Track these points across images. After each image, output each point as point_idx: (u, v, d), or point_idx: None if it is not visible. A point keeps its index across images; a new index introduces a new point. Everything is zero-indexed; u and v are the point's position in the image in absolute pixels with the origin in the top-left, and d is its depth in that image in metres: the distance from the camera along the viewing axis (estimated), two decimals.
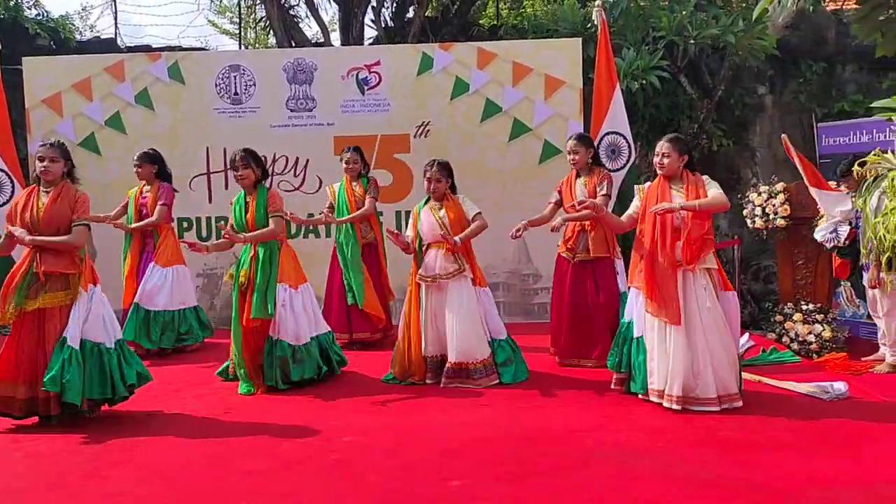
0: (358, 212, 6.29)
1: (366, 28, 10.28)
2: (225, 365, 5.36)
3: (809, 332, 6.08)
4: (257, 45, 12.59)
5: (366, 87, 7.69)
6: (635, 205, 4.72)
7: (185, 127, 7.70)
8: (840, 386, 4.73)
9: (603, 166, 6.07)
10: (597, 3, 7.15)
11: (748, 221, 6.51)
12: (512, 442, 3.94)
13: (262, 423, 4.36)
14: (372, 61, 7.73)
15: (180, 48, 9.63)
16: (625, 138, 6.97)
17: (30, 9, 9.39)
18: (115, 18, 10.33)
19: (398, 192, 7.57)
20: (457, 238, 5.09)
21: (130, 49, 9.42)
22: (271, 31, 10.64)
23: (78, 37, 9.88)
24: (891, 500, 3.22)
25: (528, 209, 7.00)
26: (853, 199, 5.41)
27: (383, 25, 10.38)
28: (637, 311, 4.64)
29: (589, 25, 8.18)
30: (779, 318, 6.33)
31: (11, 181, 7.02)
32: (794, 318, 6.18)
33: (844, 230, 5.60)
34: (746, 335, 6.36)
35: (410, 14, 10.33)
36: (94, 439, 4.12)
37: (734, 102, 8.65)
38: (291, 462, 3.71)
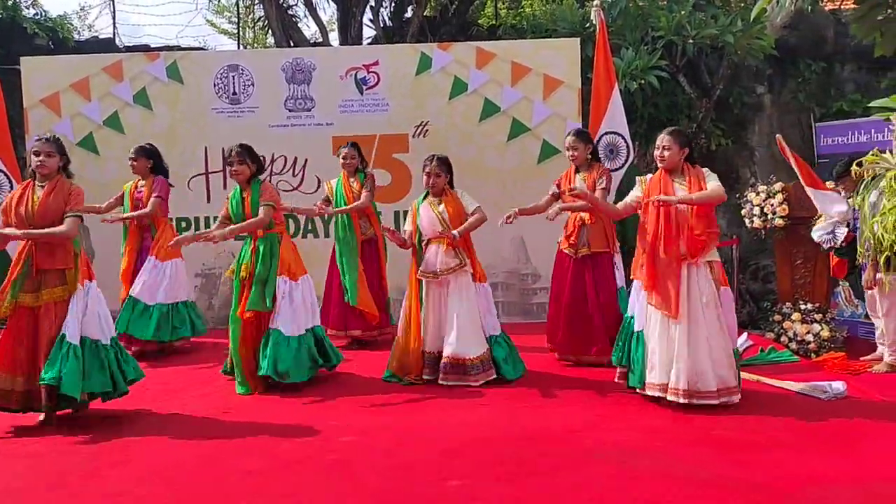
0: (353, 204, 6.27)
1: (364, 28, 10.28)
2: (227, 360, 5.36)
3: (808, 332, 6.09)
4: (256, 45, 12.58)
5: (364, 87, 7.69)
6: (634, 194, 4.70)
7: (184, 127, 7.69)
8: (838, 385, 4.74)
9: (601, 163, 6.08)
10: (595, 2, 7.15)
11: (746, 221, 6.52)
12: (511, 442, 3.95)
13: (261, 423, 4.36)
14: (370, 61, 7.73)
15: (179, 48, 9.61)
16: (623, 138, 6.98)
17: (28, 8, 9.37)
18: (114, 18, 10.33)
19: (397, 191, 7.56)
20: (455, 231, 5.10)
21: (129, 49, 9.41)
22: (270, 31, 10.62)
23: (76, 36, 9.86)
24: (889, 498, 3.23)
25: (531, 215, 7.04)
26: (851, 200, 5.41)
27: (382, 25, 10.38)
28: (639, 305, 4.64)
29: (588, 25, 8.18)
30: (777, 317, 6.34)
31: (10, 181, 7.02)
32: (793, 317, 6.19)
33: (842, 232, 5.60)
34: (745, 335, 6.37)
35: (409, 14, 10.33)
36: (94, 439, 4.12)
37: (733, 102, 8.65)
38: (291, 462, 3.72)
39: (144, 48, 9.24)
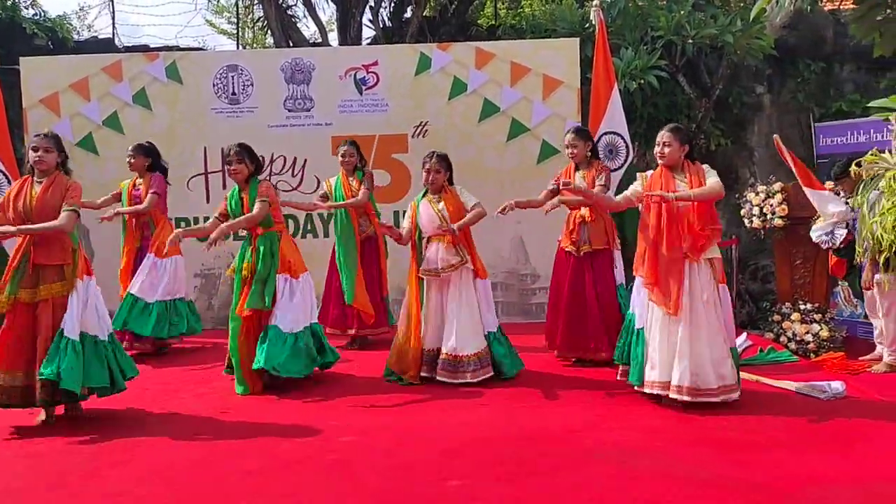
0: (351, 200, 6.26)
1: (364, 28, 10.29)
2: (227, 358, 5.35)
3: (807, 332, 6.09)
4: (255, 45, 12.59)
5: (364, 87, 7.69)
6: (635, 188, 4.69)
7: (183, 127, 7.69)
8: (837, 385, 4.75)
9: (600, 161, 6.07)
10: (595, 2, 7.14)
11: (746, 221, 6.52)
12: (511, 442, 3.95)
13: (261, 423, 4.36)
14: (370, 61, 7.73)
15: (178, 48, 9.61)
16: (622, 138, 6.97)
17: (27, 8, 9.38)
18: (113, 18, 10.33)
19: (396, 191, 7.56)
20: (454, 226, 5.10)
21: (128, 49, 9.41)
22: (269, 31, 10.63)
23: (75, 37, 9.86)
24: (888, 498, 3.23)
25: (526, 210, 7.04)
26: (851, 201, 5.41)
27: (381, 25, 10.38)
28: (640, 302, 4.65)
29: (587, 25, 8.18)
30: (777, 317, 6.35)
31: (9, 182, 7.00)
32: (792, 317, 6.20)
33: (841, 234, 5.61)
34: (744, 335, 6.38)
35: (408, 14, 10.33)
36: (93, 439, 4.12)
37: (732, 102, 8.65)
38: (290, 462, 3.71)
39: (144, 48, 9.24)
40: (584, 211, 5.56)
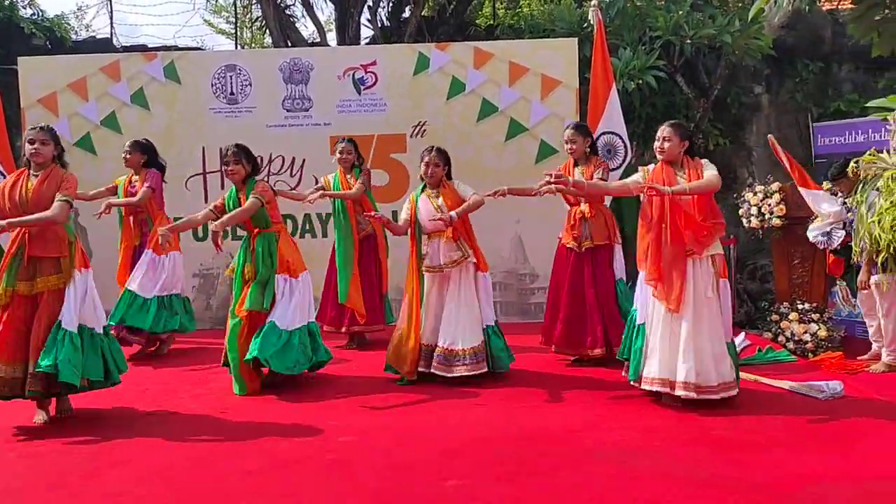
0: (346, 191, 6.24)
1: (362, 28, 10.31)
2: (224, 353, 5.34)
3: (805, 332, 6.10)
4: (253, 45, 12.58)
5: (362, 87, 7.69)
6: (635, 178, 4.67)
7: (181, 127, 7.69)
8: (836, 385, 4.76)
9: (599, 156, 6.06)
10: (593, 2, 7.15)
11: (744, 221, 6.54)
12: (511, 442, 3.95)
13: (260, 423, 4.36)
14: (368, 61, 7.73)
15: (176, 48, 9.61)
16: (621, 138, 6.97)
17: (25, 8, 9.38)
18: (111, 18, 10.32)
19: (395, 191, 7.55)
20: (453, 213, 5.10)
21: (126, 49, 9.41)
22: (267, 31, 10.63)
23: (73, 36, 9.86)
24: (887, 497, 3.24)
25: (525, 209, 7.06)
26: (849, 201, 5.41)
27: (379, 25, 10.38)
28: (641, 298, 4.65)
29: (585, 25, 8.19)
30: (775, 317, 6.36)
31: None
32: (790, 317, 6.21)
33: (839, 235, 5.62)
34: (743, 334, 6.39)
35: (407, 14, 10.34)
36: (93, 439, 4.12)
37: (730, 102, 8.67)
38: (290, 462, 3.72)
39: (142, 48, 9.24)
40: (584, 206, 5.55)
